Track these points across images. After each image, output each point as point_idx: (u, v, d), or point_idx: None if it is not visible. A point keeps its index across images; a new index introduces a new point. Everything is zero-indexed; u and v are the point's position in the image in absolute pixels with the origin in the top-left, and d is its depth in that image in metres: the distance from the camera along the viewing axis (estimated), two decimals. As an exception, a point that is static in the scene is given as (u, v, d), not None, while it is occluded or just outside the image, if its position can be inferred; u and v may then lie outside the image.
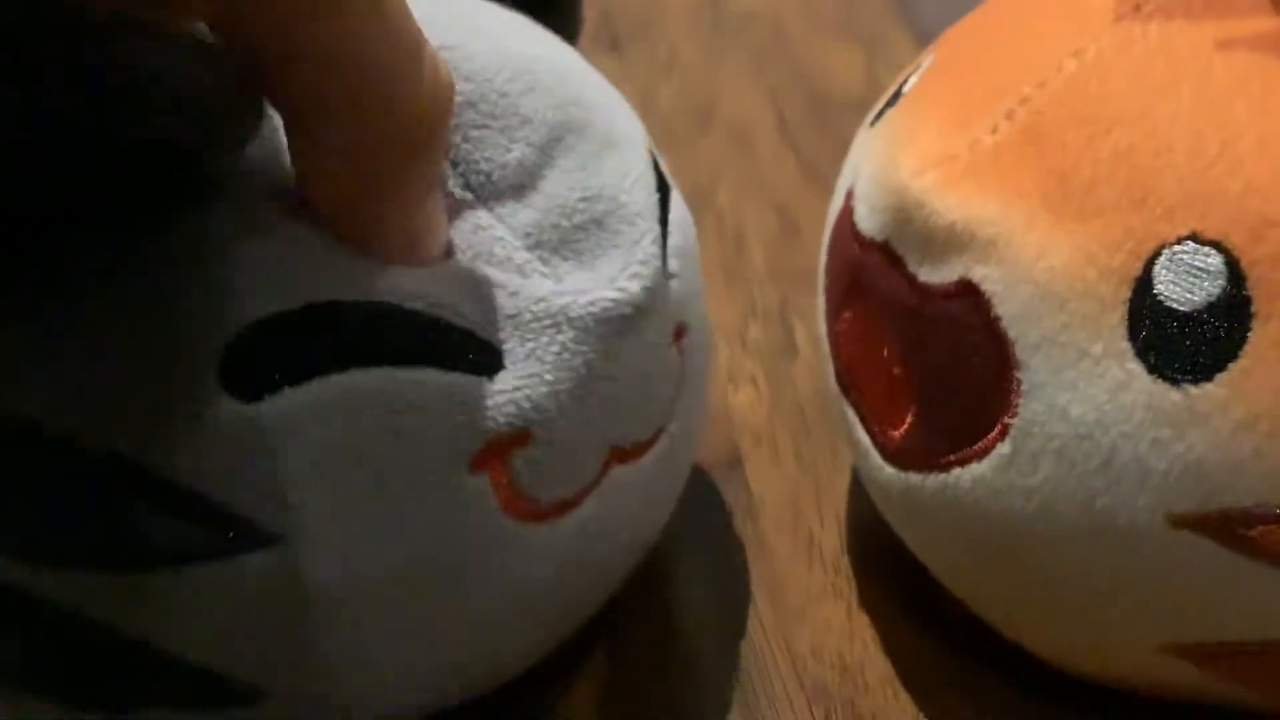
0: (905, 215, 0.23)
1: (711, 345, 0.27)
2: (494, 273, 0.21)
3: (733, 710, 0.27)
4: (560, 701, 0.27)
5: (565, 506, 0.22)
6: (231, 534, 0.19)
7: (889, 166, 0.24)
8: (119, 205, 0.19)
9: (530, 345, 0.21)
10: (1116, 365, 0.20)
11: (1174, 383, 0.20)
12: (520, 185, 0.22)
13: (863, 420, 0.25)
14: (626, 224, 0.22)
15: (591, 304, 0.21)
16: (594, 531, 0.23)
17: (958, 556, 0.25)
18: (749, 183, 0.45)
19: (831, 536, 0.31)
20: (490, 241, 0.21)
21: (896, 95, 0.26)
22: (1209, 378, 0.19)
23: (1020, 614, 0.24)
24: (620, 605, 0.29)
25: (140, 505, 0.19)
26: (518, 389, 0.21)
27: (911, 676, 0.27)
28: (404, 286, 0.20)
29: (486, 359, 0.21)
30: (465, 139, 0.21)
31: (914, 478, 0.24)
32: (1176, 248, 0.20)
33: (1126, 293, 0.20)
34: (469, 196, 0.21)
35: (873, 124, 0.27)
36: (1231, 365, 0.19)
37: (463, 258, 0.21)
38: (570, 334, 0.21)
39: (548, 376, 0.21)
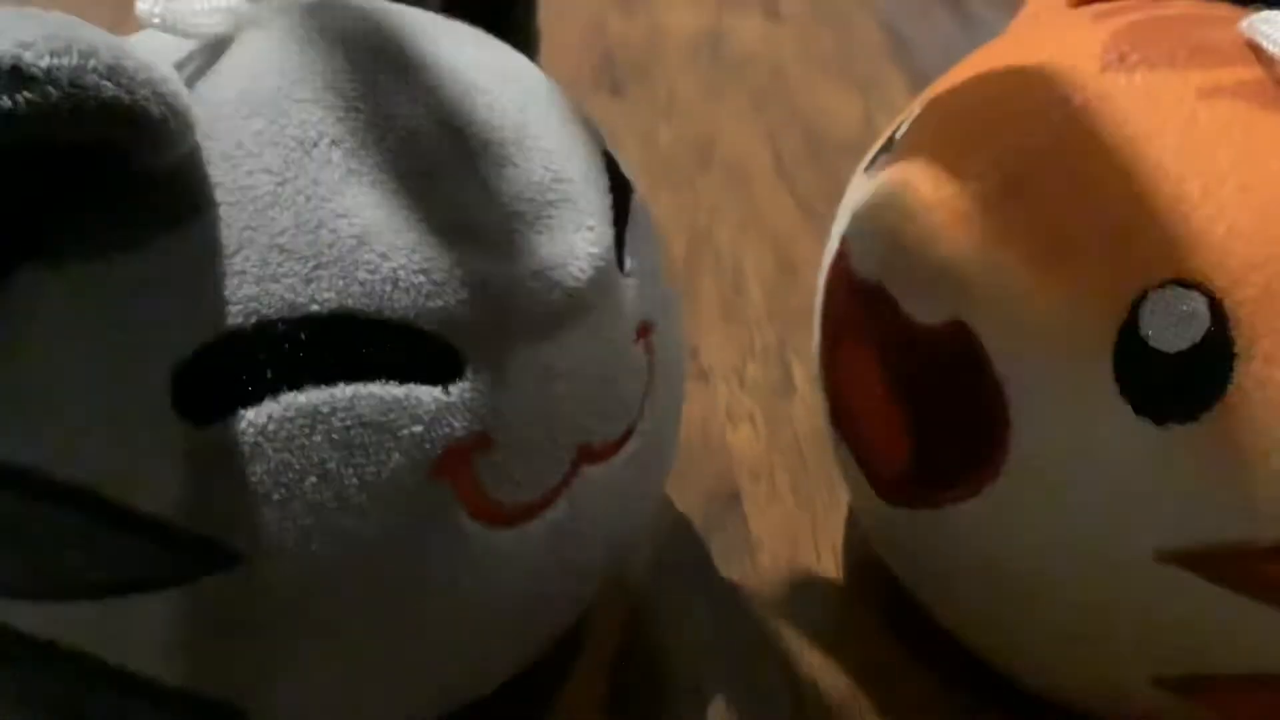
0: (898, 257, 0.23)
1: (684, 344, 0.27)
2: (466, 252, 0.21)
3: (730, 745, 0.27)
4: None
5: (534, 509, 0.22)
6: (195, 557, 0.19)
7: (883, 210, 0.24)
8: (64, 232, 0.19)
9: (488, 347, 0.20)
10: (1104, 405, 0.20)
11: (1160, 422, 0.20)
12: (496, 151, 0.21)
13: (857, 457, 0.26)
14: (575, 215, 0.22)
15: (532, 296, 0.21)
16: (567, 533, 0.23)
17: (950, 591, 0.25)
18: (747, 222, 0.45)
19: (828, 571, 0.31)
20: (476, 205, 0.21)
21: (890, 142, 0.27)
22: (1194, 417, 0.20)
23: (1011, 647, 0.24)
24: (618, 639, 0.29)
25: (104, 534, 0.19)
26: (475, 394, 0.20)
27: (910, 710, 0.27)
28: (360, 291, 0.20)
29: (444, 364, 0.20)
30: (430, 94, 0.21)
31: (908, 513, 0.24)
32: (1161, 291, 0.20)
33: (1113, 335, 0.20)
34: (448, 147, 0.21)
35: (867, 170, 0.27)
36: (1216, 404, 0.20)
37: (443, 224, 0.21)
38: (523, 334, 0.21)
39: (505, 379, 0.21)
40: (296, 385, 0.19)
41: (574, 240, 0.21)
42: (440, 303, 0.20)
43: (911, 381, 0.23)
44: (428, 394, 0.20)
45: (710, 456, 0.34)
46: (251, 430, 0.19)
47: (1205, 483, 0.20)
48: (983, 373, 0.22)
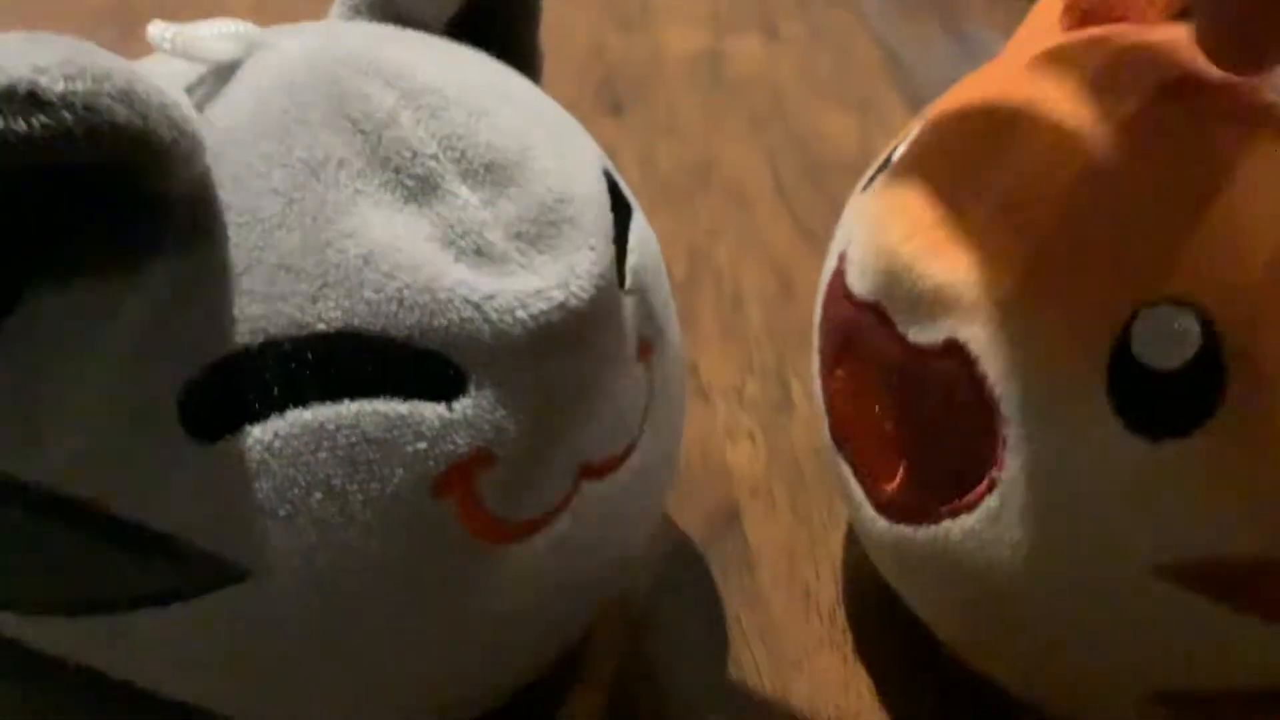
0: (894, 278, 0.24)
1: (683, 360, 0.27)
2: (469, 271, 0.21)
3: (729, 761, 0.27)
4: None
5: (536, 525, 0.22)
6: (202, 572, 0.19)
7: (880, 231, 0.24)
8: (75, 253, 0.19)
9: (490, 365, 0.21)
10: (1098, 423, 0.21)
11: (1153, 439, 0.20)
12: (499, 173, 0.22)
13: (856, 474, 0.26)
14: (577, 235, 0.22)
15: (535, 317, 0.21)
16: (570, 549, 0.23)
17: (948, 606, 0.25)
18: (747, 242, 0.45)
19: (828, 588, 0.31)
20: (478, 225, 0.21)
21: (888, 162, 0.27)
22: (1186, 434, 0.20)
23: (1008, 662, 0.24)
24: (618, 654, 0.29)
25: (110, 550, 0.19)
26: (477, 411, 0.20)
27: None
28: (365, 310, 0.20)
29: (448, 381, 0.20)
30: (434, 115, 0.21)
31: (905, 530, 0.24)
32: (1154, 310, 0.20)
33: (1106, 353, 0.20)
34: (451, 169, 0.21)
35: (865, 189, 0.27)
36: (1208, 421, 0.20)
37: (447, 243, 0.21)
38: (525, 352, 0.21)
39: (508, 397, 0.21)
40: (302, 402, 0.20)
41: (576, 259, 0.21)
42: (444, 321, 0.20)
43: (908, 400, 0.24)
44: (431, 411, 0.20)
45: (710, 474, 0.35)
46: (258, 447, 0.19)
47: (1200, 498, 0.20)
48: (978, 392, 0.22)
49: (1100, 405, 0.21)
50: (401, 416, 0.20)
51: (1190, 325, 0.20)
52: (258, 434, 0.19)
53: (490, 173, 0.21)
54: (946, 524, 0.23)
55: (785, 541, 0.32)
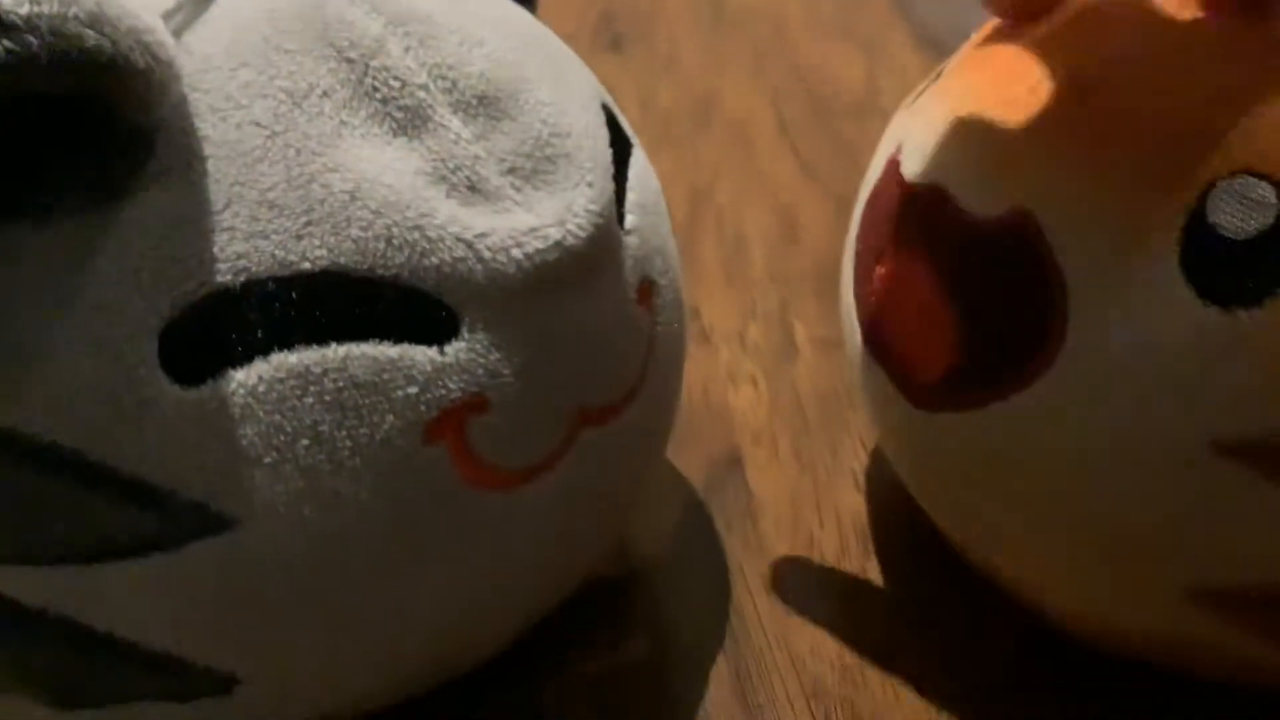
0: (960, 151, 0.24)
1: (684, 303, 0.27)
2: (461, 207, 0.20)
3: (733, 709, 0.26)
4: (556, 699, 0.27)
5: (532, 473, 0.22)
6: (184, 521, 0.19)
7: (945, 110, 0.25)
8: (48, 189, 0.19)
9: (484, 307, 0.20)
10: (1167, 290, 0.21)
11: (1225, 308, 0.20)
12: (492, 104, 0.21)
13: (892, 372, 0.25)
14: (574, 171, 0.22)
15: (530, 256, 0.20)
16: (567, 497, 0.23)
17: (983, 507, 0.25)
18: (749, 182, 0.45)
19: (831, 536, 0.30)
20: (471, 159, 0.21)
21: (938, 76, 0.27)
22: (1259, 303, 0.20)
23: (1045, 562, 0.24)
24: (619, 603, 0.29)
25: (90, 498, 0.19)
26: (470, 354, 0.20)
27: (911, 676, 0.27)
28: (352, 249, 0.19)
29: (439, 323, 0.20)
30: (423, 43, 0.21)
31: (948, 418, 0.24)
32: (1230, 181, 0.20)
33: (1180, 222, 0.21)
34: (442, 100, 0.21)
35: (914, 102, 0.27)
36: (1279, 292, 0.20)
37: (438, 179, 0.20)
38: (520, 293, 0.20)
39: (502, 340, 0.20)
40: (287, 345, 0.19)
41: (572, 197, 0.21)
42: (435, 260, 0.20)
43: (964, 278, 0.23)
44: (422, 354, 0.20)
45: (711, 419, 0.34)
46: (241, 391, 0.19)
47: (1268, 370, 0.20)
48: (1043, 262, 0.22)
49: (1172, 272, 0.21)
50: (391, 360, 0.20)
51: (1268, 195, 0.20)
52: (241, 378, 0.19)
53: (483, 104, 0.21)
54: (995, 406, 0.23)
55: (788, 490, 0.32)
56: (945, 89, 0.26)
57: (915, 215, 0.25)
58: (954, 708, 0.26)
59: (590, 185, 0.21)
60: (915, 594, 0.28)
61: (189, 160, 0.19)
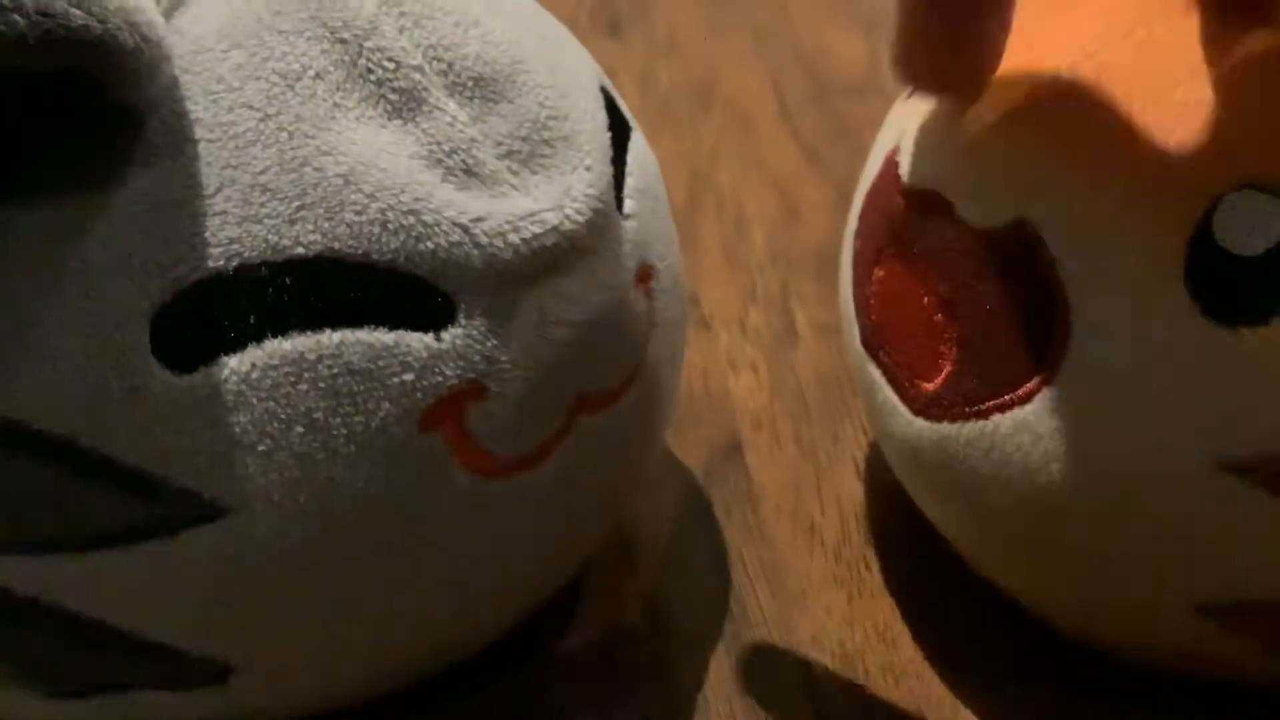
0: (959, 158, 0.23)
1: (684, 289, 0.27)
2: (457, 191, 0.20)
3: (732, 697, 0.26)
4: (555, 685, 0.26)
5: (530, 459, 0.21)
6: (177, 509, 0.19)
7: (945, 113, 0.24)
8: (37, 172, 0.18)
9: (481, 292, 0.20)
10: (1171, 306, 0.20)
11: (1229, 325, 0.20)
12: (489, 87, 0.21)
13: (891, 378, 0.25)
14: (572, 154, 0.21)
15: (528, 241, 0.20)
16: (565, 484, 0.22)
17: (987, 516, 0.24)
18: (750, 165, 0.44)
19: (832, 523, 0.30)
20: (467, 142, 0.20)
21: None
22: (1265, 320, 0.20)
23: (1050, 576, 0.24)
24: (618, 590, 0.28)
25: (82, 486, 0.19)
26: (467, 341, 0.20)
27: (911, 665, 0.27)
28: (346, 233, 0.19)
29: (435, 309, 0.20)
30: (419, 24, 0.20)
31: (948, 428, 0.23)
32: (1236, 195, 0.20)
33: (1185, 236, 0.20)
34: (438, 82, 0.20)
35: (910, 95, 0.26)
36: None
37: (433, 162, 0.20)
38: (517, 278, 0.20)
39: (499, 326, 0.20)
40: (281, 331, 0.19)
41: (570, 180, 0.21)
42: (430, 245, 0.19)
43: (964, 288, 0.23)
44: (418, 341, 0.20)
45: (711, 405, 0.34)
46: (234, 378, 0.19)
47: (1273, 389, 0.20)
48: (1044, 275, 0.21)
49: (1177, 288, 0.20)
50: (387, 346, 0.19)
51: (1275, 210, 0.20)
52: (234, 365, 0.19)
53: (479, 87, 0.20)
54: (996, 418, 0.23)
55: (789, 476, 0.32)
56: None
57: (914, 220, 0.24)
58: (953, 696, 0.26)
59: (588, 169, 0.21)
60: (915, 581, 0.28)
61: (180, 143, 0.19)
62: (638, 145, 0.25)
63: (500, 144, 0.20)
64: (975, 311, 0.23)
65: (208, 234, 0.19)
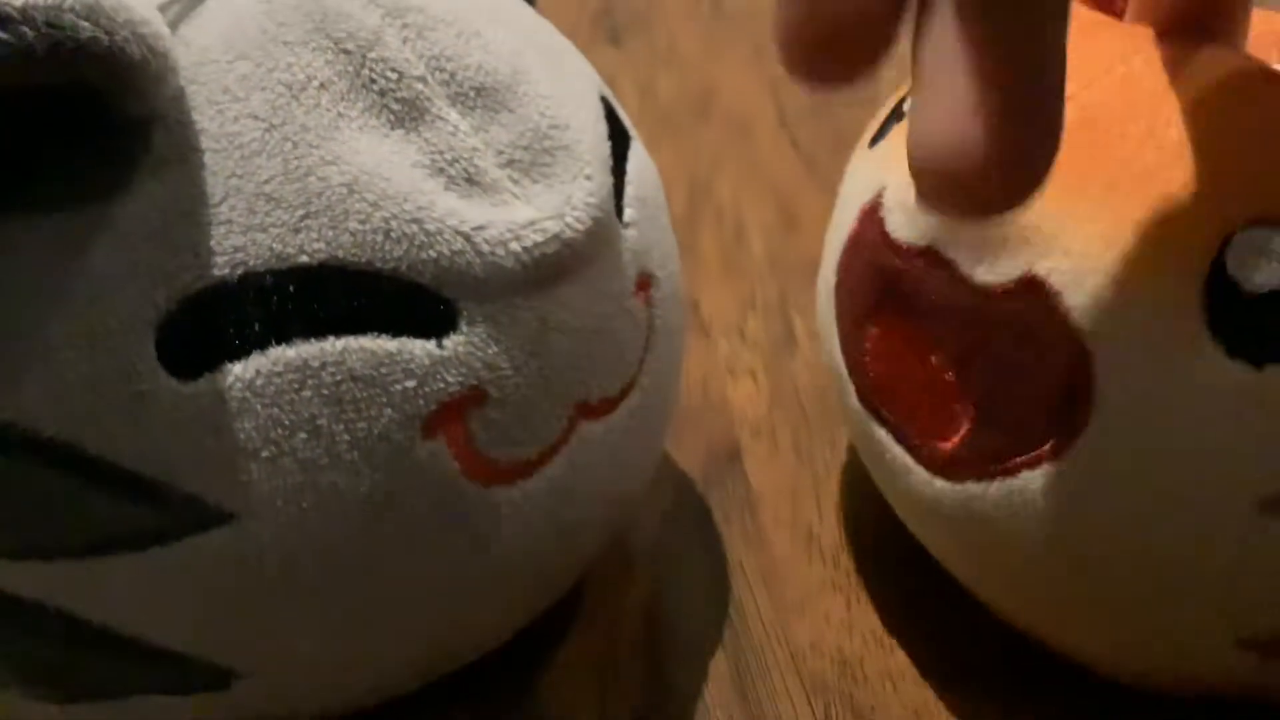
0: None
1: (683, 296, 0.27)
2: (459, 200, 0.20)
3: (731, 704, 0.26)
4: (553, 691, 0.26)
5: (531, 466, 0.22)
6: (182, 515, 0.19)
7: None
8: (44, 181, 0.18)
9: (482, 300, 0.20)
10: (1195, 349, 0.20)
11: (1256, 364, 0.20)
12: (491, 96, 0.21)
13: (900, 437, 0.24)
14: (572, 163, 0.21)
15: (529, 249, 0.20)
16: (566, 491, 0.22)
17: (1020, 570, 0.24)
18: (749, 174, 0.44)
19: (831, 530, 0.30)
20: (469, 152, 0.20)
21: (898, 111, 0.26)
22: None
23: (1085, 621, 0.24)
24: (617, 597, 0.28)
25: (87, 491, 0.19)
26: (469, 348, 0.20)
27: (910, 670, 0.27)
28: (350, 242, 0.19)
29: (437, 316, 0.20)
30: (421, 35, 0.20)
31: (974, 488, 0.23)
32: (1248, 232, 0.20)
33: (1201, 278, 0.20)
34: (440, 92, 0.20)
35: (872, 145, 0.26)
36: None
37: (436, 171, 0.20)
38: (519, 286, 0.20)
39: (501, 333, 0.20)
40: (285, 339, 0.19)
41: (571, 189, 0.21)
42: (433, 253, 0.20)
43: (975, 345, 0.22)
44: (420, 348, 0.20)
45: (710, 412, 0.34)
46: (239, 385, 0.19)
47: None
48: (1060, 330, 0.21)
49: (1199, 330, 0.20)
50: (389, 354, 0.19)
51: None
52: (239, 372, 0.19)
53: (481, 96, 0.21)
54: (1025, 475, 0.22)
55: (788, 483, 0.32)
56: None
57: (911, 278, 0.23)
58: (952, 702, 0.26)
59: (589, 178, 0.21)
60: (914, 587, 0.28)
61: (186, 153, 0.19)
62: (638, 154, 0.25)
63: (501, 153, 0.21)
64: (991, 368, 0.22)
65: (213, 242, 0.19)
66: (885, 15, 0.15)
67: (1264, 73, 0.21)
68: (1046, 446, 0.21)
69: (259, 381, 0.19)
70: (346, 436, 0.19)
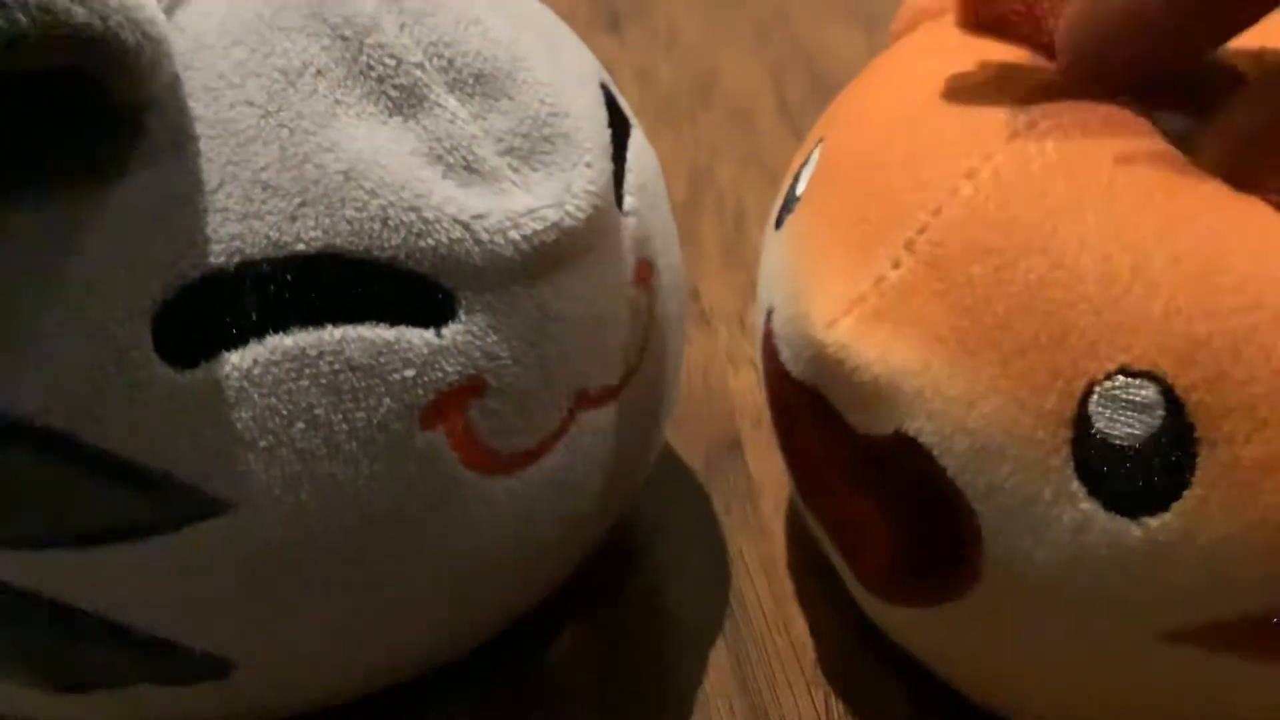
0: (827, 370, 0.21)
1: (685, 287, 0.27)
2: (458, 188, 0.20)
3: (732, 693, 0.26)
4: (553, 680, 0.26)
5: (530, 456, 0.22)
6: (179, 505, 0.19)
7: (801, 316, 0.22)
8: (39, 169, 0.18)
9: (481, 288, 0.20)
10: (1071, 507, 0.19)
11: (1132, 517, 0.19)
12: (489, 83, 0.21)
13: (836, 546, 0.24)
14: (572, 151, 0.21)
15: (528, 238, 0.20)
16: (565, 481, 0.22)
17: (954, 667, 0.24)
18: (749, 161, 0.44)
19: (832, 519, 0.30)
20: (467, 139, 0.20)
21: (792, 196, 0.25)
22: (1165, 508, 0.19)
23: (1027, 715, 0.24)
24: (618, 588, 0.28)
25: (83, 481, 0.19)
26: (468, 337, 0.20)
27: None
28: (347, 230, 0.19)
29: (435, 305, 0.20)
30: (420, 21, 0.20)
31: (899, 611, 0.23)
32: (1108, 383, 0.19)
33: (1067, 433, 0.19)
34: (438, 78, 0.20)
35: (777, 228, 0.25)
36: (1186, 494, 0.19)
37: (434, 159, 0.20)
38: (518, 275, 0.20)
39: (500, 322, 0.20)
40: (282, 328, 0.19)
41: (571, 177, 0.21)
42: (431, 241, 0.19)
43: (871, 489, 0.22)
44: (419, 337, 0.20)
45: (711, 401, 0.34)
46: (236, 374, 0.19)
47: (1191, 571, 0.19)
48: (940, 483, 0.20)
49: (1072, 487, 0.19)
50: (388, 343, 0.19)
51: (1150, 394, 0.19)
52: (236, 361, 0.19)
53: (480, 83, 0.20)
54: (940, 606, 0.22)
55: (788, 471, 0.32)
56: (798, 262, 0.23)
57: (807, 414, 0.23)
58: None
59: (589, 166, 0.21)
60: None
61: (181, 140, 0.19)
62: (638, 142, 0.25)
63: (501, 140, 0.20)
64: (890, 512, 0.22)
65: (209, 230, 0.19)
66: None
67: (1136, 176, 0.20)
68: (950, 586, 0.21)
69: (256, 371, 0.19)
70: (345, 426, 0.19)
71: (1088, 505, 0.19)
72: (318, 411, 0.19)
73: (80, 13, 0.16)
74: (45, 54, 0.16)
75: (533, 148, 0.21)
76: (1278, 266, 0.19)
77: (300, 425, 0.19)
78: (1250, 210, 0.19)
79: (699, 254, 0.40)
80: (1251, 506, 0.18)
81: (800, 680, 0.26)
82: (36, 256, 0.18)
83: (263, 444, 0.19)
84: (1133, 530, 0.19)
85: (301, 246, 0.19)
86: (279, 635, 0.21)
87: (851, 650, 0.27)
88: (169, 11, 0.20)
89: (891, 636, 0.25)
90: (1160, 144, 0.20)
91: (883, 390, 0.21)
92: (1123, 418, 0.19)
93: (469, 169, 0.20)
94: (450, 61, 0.20)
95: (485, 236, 0.20)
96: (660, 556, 0.29)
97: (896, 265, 0.21)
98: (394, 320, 0.19)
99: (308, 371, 0.19)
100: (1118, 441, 0.19)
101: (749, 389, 0.34)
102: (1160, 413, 0.19)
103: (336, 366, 0.19)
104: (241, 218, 0.19)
